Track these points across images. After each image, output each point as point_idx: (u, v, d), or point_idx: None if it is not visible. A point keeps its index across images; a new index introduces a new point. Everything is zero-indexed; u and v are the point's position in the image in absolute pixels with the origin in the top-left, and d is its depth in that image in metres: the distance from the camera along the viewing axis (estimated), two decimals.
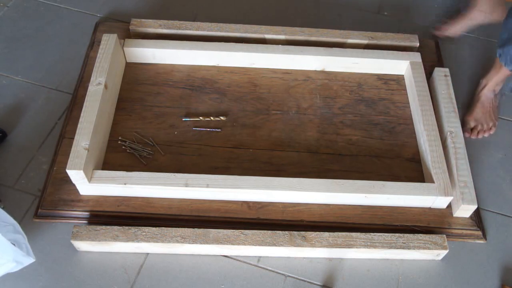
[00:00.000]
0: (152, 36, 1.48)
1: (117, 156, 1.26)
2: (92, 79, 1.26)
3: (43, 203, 1.17)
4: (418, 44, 1.50)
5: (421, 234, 1.15)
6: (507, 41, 1.26)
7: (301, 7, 1.70)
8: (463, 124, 1.41)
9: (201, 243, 1.10)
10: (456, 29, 1.59)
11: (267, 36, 1.48)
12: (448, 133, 1.29)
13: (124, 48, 1.39)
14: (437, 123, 1.30)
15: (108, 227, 1.11)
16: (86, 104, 1.21)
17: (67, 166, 1.10)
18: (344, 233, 1.14)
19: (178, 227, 1.12)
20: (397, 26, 1.67)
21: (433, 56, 1.54)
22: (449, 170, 1.23)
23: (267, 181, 1.16)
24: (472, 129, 1.40)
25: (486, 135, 1.40)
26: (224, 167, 1.26)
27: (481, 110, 1.41)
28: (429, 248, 1.13)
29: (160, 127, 1.32)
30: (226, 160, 1.27)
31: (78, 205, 1.17)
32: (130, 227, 1.11)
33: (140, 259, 1.13)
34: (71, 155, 1.12)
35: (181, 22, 1.48)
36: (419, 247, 1.13)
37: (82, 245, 1.11)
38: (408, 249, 1.13)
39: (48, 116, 1.35)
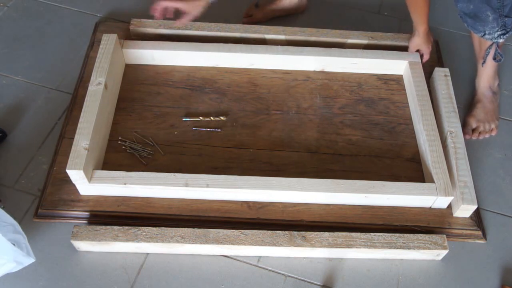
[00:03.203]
0: (152, 36, 1.48)
1: (117, 156, 1.26)
2: (92, 79, 1.26)
3: (43, 203, 1.17)
4: None
5: (421, 234, 1.15)
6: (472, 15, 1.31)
7: None
8: (465, 125, 1.41)
9: (201, 243, 1.10)
10: (265, 14, 1.63)
11: (267, 36, 1.48)
12: (448, 133, 1.28)
13: (123, 50, 1.39)
14: (437, 123, 1.30)
15: (108, 227, 1.11)
16: (86, 104, 1.21)
17: (67, 166, 1.10)
18: (344, 233, 1.14)
19: (178, 227, 1.12)
20: (397, 26, 1.67)
21: (433, 56, 1.54)
22: (449, 170, 1.23)
23: (267, 181, 1.16)
24: (473, 130, 1.40)
25: (487, 136, 1.40)
26: (224, 167, 1.26)
27: (483, 111, 1.41)
28: (429, 248, 1.13)
29: (160, 127, 1.32)
30: (226, 160, 1.27)
31: (78, 205, 1.17)
32: (130, 227, 1.11)
33: (140, 259, 1.13)
34: (71, 155, 1.12)
35: None
36: (419, 247, 1.13)
37: (82, 245, 1.11)
38: (408, 249, 1.13)
39: (48, 116, 1.35)
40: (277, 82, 1.43)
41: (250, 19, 1.61)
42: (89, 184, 1.14)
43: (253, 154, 1.29)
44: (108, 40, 1.33)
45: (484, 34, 1.32)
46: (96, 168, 1.18)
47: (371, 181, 1.18)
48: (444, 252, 1.15)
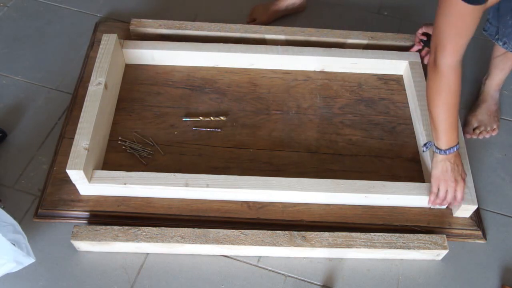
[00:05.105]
0: (152, 36, 1.48)
1: (117, 156, 1.26)
2: (92, 79, 1.26)
3: (43, 203, 1.17)
4: None
5: (421, 234, 1.15)
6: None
7: None
8: (466, 124, 1.41)
9: (201, 243, 1.10)
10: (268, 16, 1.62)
11: (267, 36, 1.48)
12: None
13: (123, 50, 1.39)
14: None
15: (108, 227, 1.11)
16: (86, 104, 1.21)
17: (67, 166, 1.10)
18: (344, 233, 1.14)
19: (178, 227, 1.12)
20: (397, 26, 1.67)
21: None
22: None
23: (267, 181, 1.16)
24: (474, 129, 1.40)
25: (487, 136, 1.40)
26: (224, 167, 1.26)
27: (487, 112, 1.41)
28: (429, 248, 1.13)
29: (160, 127, 1.32)
30: (226, 160, 1.27)
31: (78, 205, 1.17)
32: (130, 227, 1.11)
33: (140, 259, 1.13)
34: (71, 155, 1.12)
35: (181, 22, 1.48)
36: (419, 247, 1.13)
37: (82, 245, 1.11)
38: (408, 249, 1.13)
39: (48, 116, 1.35)
40: (277, 82, 1.43)
41: (254, 24, 1.60)
42: (89, 184, 1.14)
43: (253, 154, 1.28)
44: (108, 40, 1.33)
45: None
46: (96, 168, 1.18)
47: (371, 181, 1.18)
48: (444, 252, 1.15)
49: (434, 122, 1.10)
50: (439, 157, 1.13)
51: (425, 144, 1.23)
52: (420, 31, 1.40)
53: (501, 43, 1.27)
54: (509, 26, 1.21)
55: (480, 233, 1.21)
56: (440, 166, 1.13)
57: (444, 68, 1.04)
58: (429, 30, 1.37)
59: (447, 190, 1.14)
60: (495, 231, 1.24)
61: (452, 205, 1.19)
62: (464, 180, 1.15)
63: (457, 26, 0.99)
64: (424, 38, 1.39)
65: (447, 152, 1.11)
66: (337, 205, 1.21)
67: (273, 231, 1.13)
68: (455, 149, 1.12)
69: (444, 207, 1.21)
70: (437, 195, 1.16)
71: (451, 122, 1.08)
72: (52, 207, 1.17)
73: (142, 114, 1.34)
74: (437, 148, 1.12)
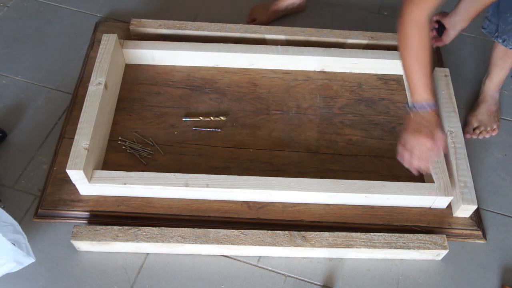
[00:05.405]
0: (152, 36, 1.48)
1: (117, 156, 1.26)
2: (92, 79, 1.26)
3: (43, 203, 1.17)
4: None
5: (421, 234, 1.15)
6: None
7: None
8: (466, 124, 1.41)
9: (201, 243, 1.10)
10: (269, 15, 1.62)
11: (267, 36, 1.48)
12: (448, 133, 1.28)
13: (123, 50, 1.39)
14: None
15: (108, 227, 1.11)
16: (86, 104, 1.21)
17: (67, 166, 1.10)
18: (344, 233, 1.14)
19: (178, 227, 1.12)
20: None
21: (433, 56, 1.54)
22: (449, 170, 1.23)
23: (267, 181, 1.16)
24: (474, 129, 1.40)
25: (487, 136, 1.40)
26: (224, 167, 1.26)
27: (487, 112, 1.41)
28: (429, 248, 1.13)
29: (160, 127, 1.32)
30: (226, 160, 1.27)
31: (78, 205, 1.17)
32: (130, 227, 1.11)
33: (140, 259, 1.13)
34: (71, 155, 1.12)
35: (181, 22, 1.48)
36: (419, 247, 1.13)
37: (82, 245, 1.11)
38: (408, 249, 1.13)
39: (48, 116, 1.35)
40: (277, 82, 1.43)
41: (254, 24, 1.60)
42: (89, 184, 1.14)
43: (253, 154, 1.28)
44: (108, 40, 1.33)
45: None
46: (96, 168, 1.18)
47: (371, 181, 1.18)
48: (444, 252, 1.15)
49: (405, 75, 1.09)
50: (412, 113, 1.08)
51: (406, 103, 1.17)
52: (434, 18, 1.39)
53: (500, 41, 1.27)
54: (509, 23, 1.21)
55: (480, 233, 1.21)
56: (410, 120, 1.09)
57: (407, 24, 1.02)
58: (442, 19, 1.37)
59: (415, 146, 1.08)
60: (495, 231, 1.24)
61: (425, 169, 1.12)
62: (436, 139, 1.07)
63: None
64: (437, 25, 1.39)
65: (418, 107, 1.06)
66: (337, 205, 1.21)
67: (273, 231, 1.13)
68: (428, 108, 1.06)
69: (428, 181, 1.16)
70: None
71: (420, 76, 1.05)
72: (52, 207, 1.17)
73: (142, 114, 1.34)
74: (410, 103, 1.09)
